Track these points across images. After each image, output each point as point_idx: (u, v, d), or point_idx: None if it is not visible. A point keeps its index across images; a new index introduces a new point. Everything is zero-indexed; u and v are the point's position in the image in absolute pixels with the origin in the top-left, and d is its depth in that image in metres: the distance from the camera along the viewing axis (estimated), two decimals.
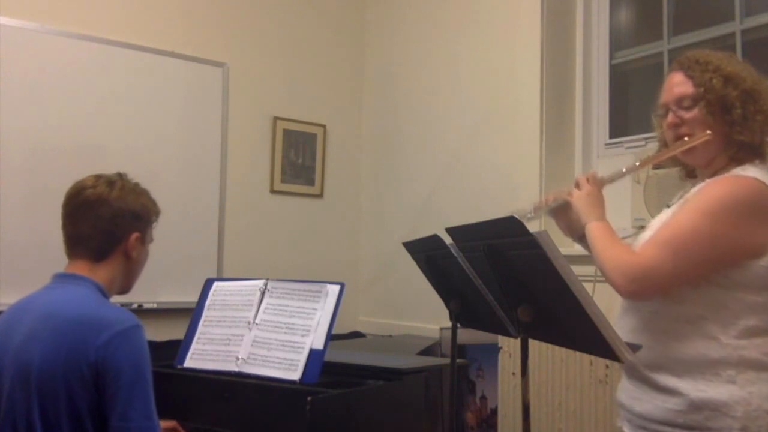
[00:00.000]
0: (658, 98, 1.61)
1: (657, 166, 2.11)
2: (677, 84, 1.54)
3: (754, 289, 1.41)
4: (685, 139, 1.53)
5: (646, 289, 1.44)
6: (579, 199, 1.62)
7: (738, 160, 1.49)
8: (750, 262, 1.40)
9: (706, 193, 1.45)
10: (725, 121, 1.48)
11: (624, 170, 1.68)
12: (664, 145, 1.64)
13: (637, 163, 1.68)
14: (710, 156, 1.52)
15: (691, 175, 1.65)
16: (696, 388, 1.41)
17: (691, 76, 1.51)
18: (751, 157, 1.49)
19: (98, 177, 1.71)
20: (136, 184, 1.75)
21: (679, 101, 1.53)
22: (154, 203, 1.78)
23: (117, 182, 1.70)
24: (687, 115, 1.52)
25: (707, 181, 1.50)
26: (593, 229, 1.55)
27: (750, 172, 1.45)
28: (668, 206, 1.62)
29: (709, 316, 1.43)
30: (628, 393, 1.56)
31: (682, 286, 1.44)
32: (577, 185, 1.65)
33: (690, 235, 1.41)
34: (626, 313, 1.58)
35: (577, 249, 2.10)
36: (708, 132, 1.49)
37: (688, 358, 1.43)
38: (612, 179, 1.67)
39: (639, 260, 1.43)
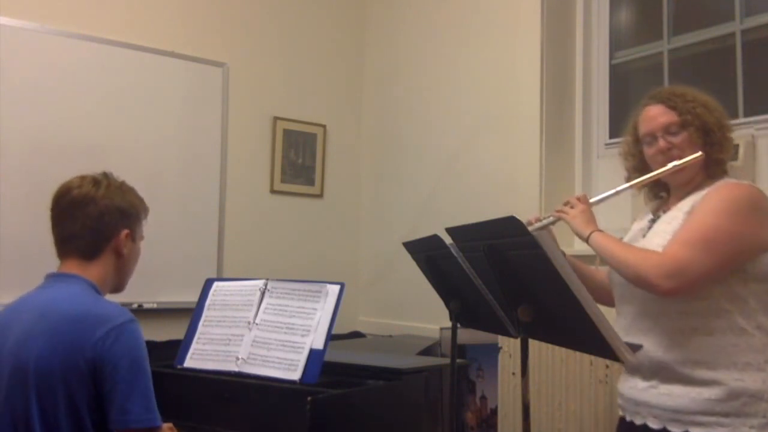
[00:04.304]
0: (629, 128, 1.82)
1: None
2: (660, 114, 1.72)
3: (765, 281, 1.58)
4: (677, 161, 1.69)
5: (683, 285, 1.54)
6: (574, 217, 1.76)
7: (712, 176, 1.69)
8: (761, 256, 1.57)
9: (719, 197, 1.61)
10: (706, 143, 1.67)
11: (615, 191, 1.83)
12: (640, 168, 1.80)
13: (627, 185, 1.82)
14: (693, 174, 1.70)
15: (657, 196, 1.85)
16: (733, 378, 1.54)
17: (673, 106, 1.70)
18: (720, 173, 1.70)
19: (83, 177, 1.71)
20: (123, 183, 1.75)
21: (666, 128, 1.70)
22: (141, 200, 1.78)
23: (102, 181, 1.70)
24: (676, 140, 1.69)
25: (709, 189, 1.66)
26: (600, 238, 1.69)
27: (738, 181, 1.67)
28: (654, 219, 1.77)
29: (733, 309, 1.57)
30: (653, 389, 1.64)
31: (707, 283, 1.57)
32: (568, 204, 1.80)
33: (714, 233, 1.55)
34: (645, 317, 1.67)
35: (577, 249, 2.11)
36: (701, 153, 1.67)
37: (720, 351, 1.56)
38: (602, 200, 1.83)
39: (673, 258, 1.56)
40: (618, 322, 1.74)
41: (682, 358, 1.59)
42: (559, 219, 1.81)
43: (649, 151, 1.75)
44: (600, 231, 1.71)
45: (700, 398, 1.56)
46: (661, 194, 1.84)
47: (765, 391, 1.52)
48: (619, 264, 1.63)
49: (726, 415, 1.53)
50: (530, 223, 1.86)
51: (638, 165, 1.80)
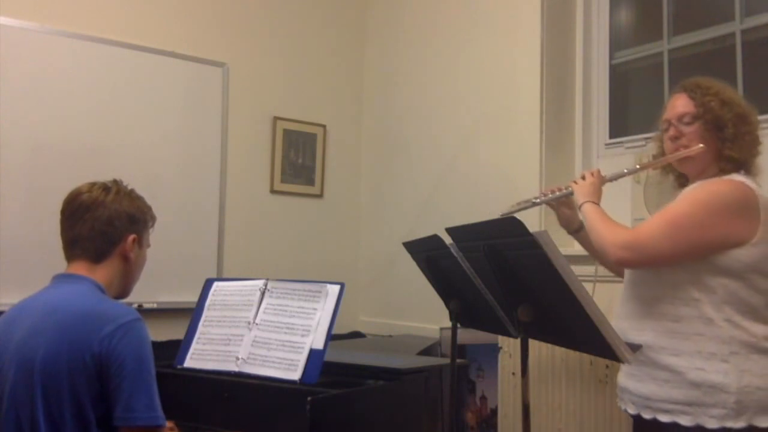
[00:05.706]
0: (660, 114, 1.85)
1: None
2: (681, 104, 1.76)
3: (735, 276, 1.59)
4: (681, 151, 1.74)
5: (636, 257, 1.61)
6: (582, 187, 1.83)
7: (726, 172, 1.70)
8: (731, 251, 1.59)
9: (703, 189, 1.65)
10: (718, 138, 1.70)
11: (625, 171, 1.89)
12: (662, 153, 1.85)
13: (638, 166, 1.89)
14: (703, 166, 1.73)
15: (683, 185, 1.85)
16: (694, 366, 1.57)
17: (693, 97, 1.74)
18: (731, 170, 1.70)
19: (93, 183, 1.74)
20: (132, 190, 1.79)
21: (681, 117, 1.75)
22: (149, 208, 1.82)
23: (112, 187, 1.75)
24: (686, 129, 1.74)
25: (701, 181, 1.70)
26: (590, 208, 1.76)
27: (738, 177, 1.67)
28: None
29: (702, 298, 1.59)
30: (631, 376, 1.70)
31: (676, 270, 1.61)
32: (582, 177, 1.87)
33: (685, 220, 1.59)
34: (628, 301, 1.74)
35: (577, 249, 2.11)
36: (701, 145, 1.70)
37: (686, 338, 1.59)
38: (613, 178, 1.87)
39: (635, 232, 1.64)
40: (616, 310, 1.79)
41: (650, 342, 1.64)
42: (571, 191, 1.89)
43: (664, 136, 1.80)
44: (594, 203, 1.77)
45: (665, 385, 1.60)
46: (686, 185, 1.87)
47: (727, 383, 1.54)
48: (593, 233, 1.70)
49: (688, 404, 1.56)
50: (552, 192, 1.96)
51: (661, 153, 1.85)
